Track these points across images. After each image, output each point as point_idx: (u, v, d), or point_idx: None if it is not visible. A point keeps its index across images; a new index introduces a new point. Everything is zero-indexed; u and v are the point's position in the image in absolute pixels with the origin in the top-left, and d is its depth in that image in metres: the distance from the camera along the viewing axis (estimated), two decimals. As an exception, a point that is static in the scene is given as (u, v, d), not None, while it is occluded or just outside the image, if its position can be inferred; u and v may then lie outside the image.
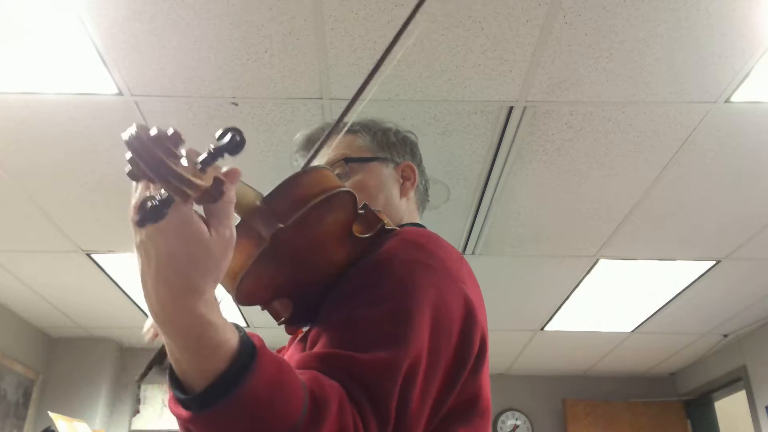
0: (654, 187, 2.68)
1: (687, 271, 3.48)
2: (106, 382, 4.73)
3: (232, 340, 0.60)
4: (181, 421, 0.61)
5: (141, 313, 4.18)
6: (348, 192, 0.79)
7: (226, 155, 0.56)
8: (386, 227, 0.88)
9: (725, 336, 4.51)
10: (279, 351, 1.05)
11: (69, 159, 2.50)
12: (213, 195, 0.57)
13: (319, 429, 0.61)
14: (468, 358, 0.81)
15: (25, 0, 1.77)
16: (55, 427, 3.30)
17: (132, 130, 0.51)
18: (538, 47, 1.94)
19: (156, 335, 0.88)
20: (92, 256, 3.36)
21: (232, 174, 0.61)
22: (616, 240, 3.14)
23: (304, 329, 0.90)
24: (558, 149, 2.44)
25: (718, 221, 2.94)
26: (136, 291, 3.77)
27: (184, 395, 0.60)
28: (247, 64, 2.02)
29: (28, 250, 3.31)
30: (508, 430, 5.25)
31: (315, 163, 1.11)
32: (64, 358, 4.72)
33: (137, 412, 4.86)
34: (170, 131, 0.53)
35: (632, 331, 4.42)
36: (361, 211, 0.84)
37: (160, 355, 0.86)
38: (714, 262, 3.36)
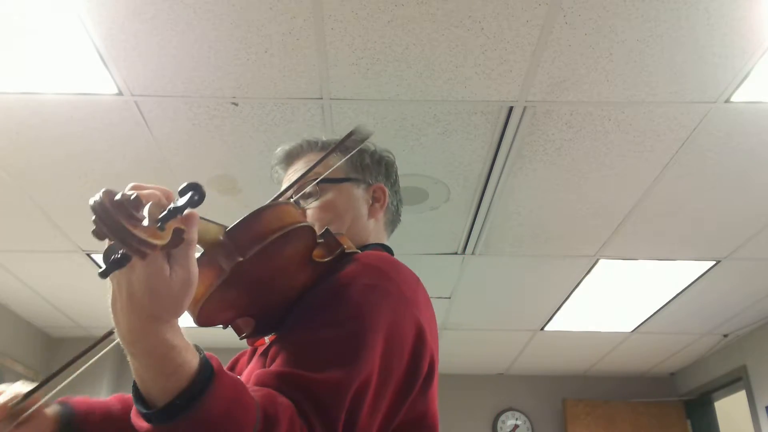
0: (654, 187, 2.68)
1: (687, 271, 3.48)
2: (106, 382, 4.73)
3: (193, 361, 0.66)
4: None
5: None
6: (306, 227, 0.86)
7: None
8: (346, 251, 0.95)
9: (725, 336, 4.51)
10: (237, 357, 1.12)
11: (69, 159, 2.50)
12: (173, 245, 0.63)
13: None
14: (417, 379, 0.88)
15: (25, 0, 1.77)
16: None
17: (97, 196, 0.57)
18: (538, 47, 1.94)
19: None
20: (92, 256, 3.36)
21: (190, 219, 0.66)
22: (616, 240, 3.14)
23: (267, 340, 0.98)
24: (558, 149, 2.44)
25: (718, 221, 2.94)
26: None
27: (147, 410, 0.66)
28: (247, 64, 2.02)
29: (28, 250, 3.31)
30: (508, 430, 5.25)
31: (288, 177, 1.19)
32: (64, 358, 4.70)
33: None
34: (132, 195, 0.59)
35: (632, 331, 4.42)
36: (320, 240, 0.91)
37: None
38: (714, 262, 3.36)
